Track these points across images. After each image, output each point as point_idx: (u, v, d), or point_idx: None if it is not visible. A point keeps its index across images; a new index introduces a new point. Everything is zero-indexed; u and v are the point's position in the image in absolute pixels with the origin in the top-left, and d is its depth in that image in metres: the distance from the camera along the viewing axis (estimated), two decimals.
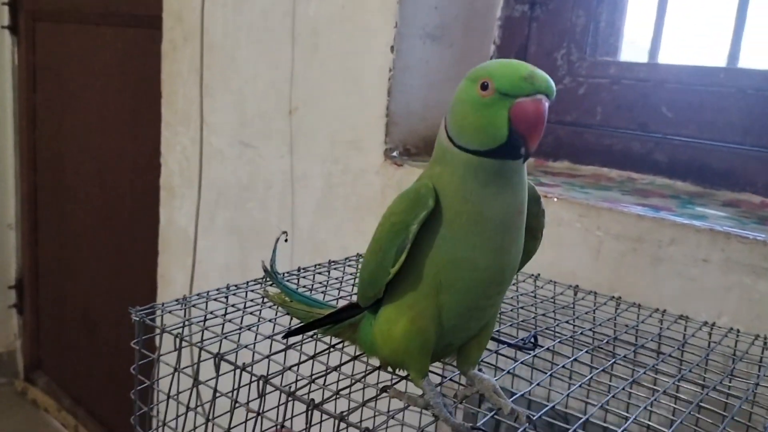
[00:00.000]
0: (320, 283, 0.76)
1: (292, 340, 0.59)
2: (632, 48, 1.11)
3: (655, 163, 1.03)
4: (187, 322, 0.62)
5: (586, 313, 0.75)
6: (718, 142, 0.96)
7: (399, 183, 1.05)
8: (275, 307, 0.65)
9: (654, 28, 1.06)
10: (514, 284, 0.82)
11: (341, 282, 0.77)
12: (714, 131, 0.97)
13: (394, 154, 1.07)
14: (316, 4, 1.15)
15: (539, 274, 0.82)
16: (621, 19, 1.10)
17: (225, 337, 0.60)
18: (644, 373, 0.60)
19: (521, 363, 0.60)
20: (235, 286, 0.69)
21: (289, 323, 0.66)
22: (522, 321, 0.72)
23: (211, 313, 0.64)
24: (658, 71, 1.03)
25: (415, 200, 0.45)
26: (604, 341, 0.66)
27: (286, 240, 0.63)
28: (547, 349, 0.63)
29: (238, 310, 0.65)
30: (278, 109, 1.22)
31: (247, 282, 0.71)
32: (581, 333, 0.69)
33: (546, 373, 0.57)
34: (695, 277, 0.76)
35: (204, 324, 0.62)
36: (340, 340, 0.59)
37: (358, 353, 0.58)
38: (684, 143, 1.00)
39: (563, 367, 0.59)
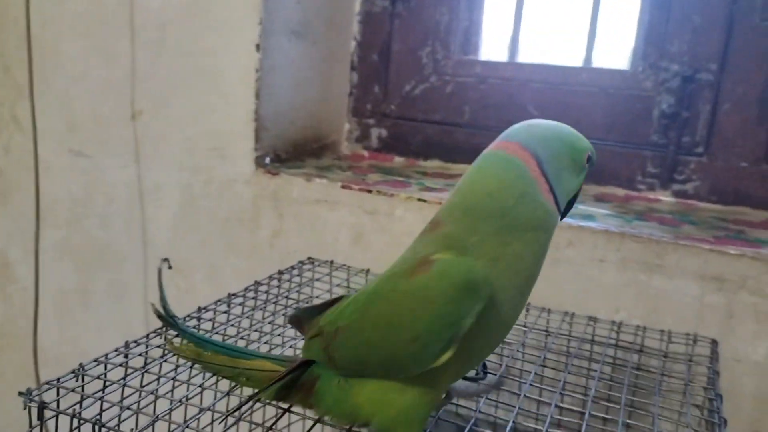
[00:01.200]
0: (221, 323, 0.67)
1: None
2: (495, 47, 1.13)
3: None
4: (85, 397, 0.51)
5: None
6: None
7: (274, 193, 0.97)
8: (185, 363, 0.56)
9: (513, 27, 1.08)
10: None
11: (246, 318, 0.68)
12: (578, 129, 1.00)
13: (267, 161, 0.99)
14: None
15: None
16: (480, 17, 1.11)
17: (140, 412, 0.50)
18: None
19: None
20: (135, 342, 0.58)
21: (204, 379, 0.57)
22: None
23: (110, 381, 0.53)
24: (523, 70, 1.05)
25: (470, 290, 0.40)
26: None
27: (170, 267, 0.54)
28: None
29: (150, 375, 0.55)
30: (118, 113, 1.07)
31: (147, 335, 0.60)
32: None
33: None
34: (593, 277, 0.79)
35: (102, 393, 0.52)
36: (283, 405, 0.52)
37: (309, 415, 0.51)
38: None
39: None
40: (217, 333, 0.64)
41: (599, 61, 1.04)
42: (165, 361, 0.58)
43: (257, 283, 0.75)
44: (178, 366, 0.57)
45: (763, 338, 0.71)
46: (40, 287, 1.16)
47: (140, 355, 0.57)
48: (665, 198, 0.97)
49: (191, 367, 0.56)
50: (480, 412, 0.54)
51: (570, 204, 0.48)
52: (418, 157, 1.14)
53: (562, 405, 0.57)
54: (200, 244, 1.04)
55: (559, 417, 0.55)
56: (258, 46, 0.94)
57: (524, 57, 1.10)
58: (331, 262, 0.84)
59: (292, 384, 0.48)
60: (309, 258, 0.86)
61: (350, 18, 1.14)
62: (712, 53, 0.92)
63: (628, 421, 0.56)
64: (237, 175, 0.99)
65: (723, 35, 0.91)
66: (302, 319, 0.53)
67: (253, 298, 0.73)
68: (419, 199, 0.87)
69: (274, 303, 0.73)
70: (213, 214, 1.02)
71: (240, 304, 0.71)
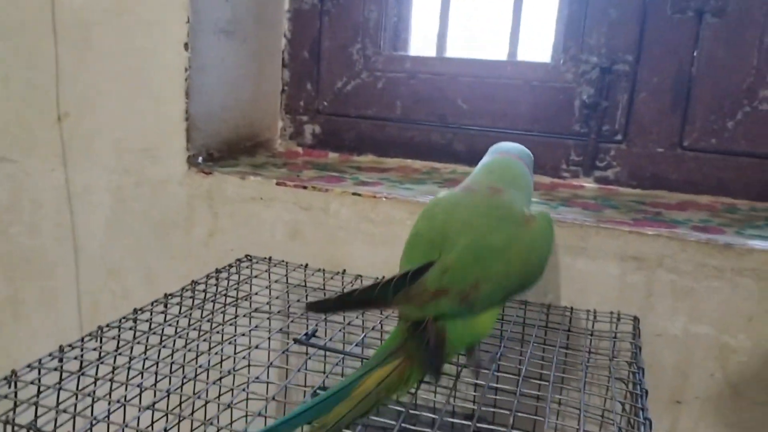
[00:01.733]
0: (159, 324, 0.66)
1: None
2: (424, 42, 1.15)
3: (455, 153, 1.09)
4: (18, 403, 0.50)
5: None
6: (510, 130, 1.05)
7: (208, 192, 0.96)
8: (123, 364, 0.56)
9: (440, 23, 1.11)
10: None
11: (185, 317, 0.68)
12: (506, 120, 1.05)
13: (199, 160, 0.98)
14: None
15: (383, 276, 0.82)
16: (409, 13, 1.13)
17: (77, 415, 0.49)
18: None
19: None
20: (70, 345, 0.58)
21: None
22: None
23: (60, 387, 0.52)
24: (451, 65, 1.08)
25: (553, 228, 0.64)
26: None
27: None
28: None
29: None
30: (43, 116, 1.05)
31: (82, 338, 0.59)
32: None
33: None
34: None
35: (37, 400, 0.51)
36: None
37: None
38: (480, 132, 1.07)
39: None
40: (154, 333, 0.64)
41: (525, 55, 1.08)
42: (102, 363, 0.57)
43: (194, 282, 0.75)
44: (115, 368, 0.57)
45: (680, 313, 0.76)
46: None
47: (75, 358, 0.57)
48: (588, 184, 1.02)
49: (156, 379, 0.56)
50: (419, 398, 0.56)
51: None
52: (352, 153, 1.15)
53: (497, 385, 0.59)
54: (134, 247, 1.03)
55: (494, 397, 0.58)
56: (186, 45, 0.94)
57: (452, 52, 1.13)
58: (269, 258, 0.85)
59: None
60: (247, 255, 0.86)
61: (280, 15, 1.14)
62: (628, 45, 0.96)
63: (559, 396, 0.59)
64: (169, 176, 0.98)
65: (637, 27, 0.96)
66: (347, 303, 0.56)
67: (190, 297, 0.73)
68: (354, 194, 0.88)
69: (212, 301, 0.74)
70: (146, 216, 1.01)
71: (177, 304, 0.70)
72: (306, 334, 0.60)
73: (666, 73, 0.96)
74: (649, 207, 0.90)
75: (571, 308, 0.76)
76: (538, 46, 1.07)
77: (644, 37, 0.96)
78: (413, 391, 0.56)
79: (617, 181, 1.00)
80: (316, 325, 0.65)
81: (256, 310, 0.74)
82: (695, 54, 0.94)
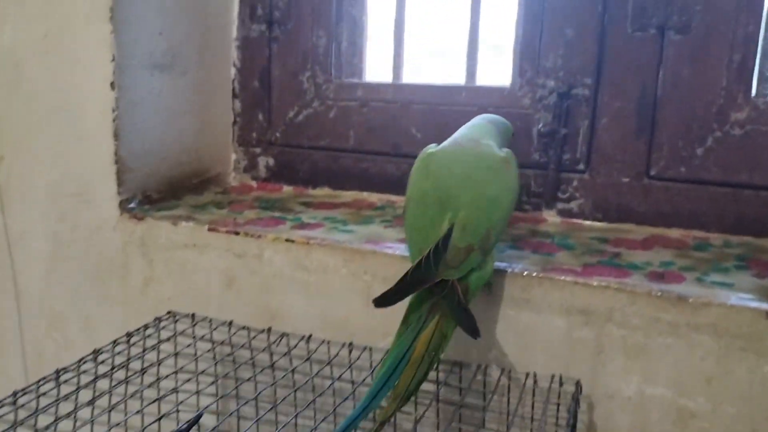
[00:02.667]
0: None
1: None
2: (380, 69, 1.09)
3: None
4: None
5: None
6: None
7: (142, 239, 0.91)
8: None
9: (394, 48, 1.04)
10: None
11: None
12: None
13: (132, 205, 0.93)
14: (11, 31, 0.95)
15: (311, 335, 0.76)
16: (362, 39, 1.07)
17: None
18: None
19: None
20: (23, 391, 0.53)
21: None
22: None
23: None
24: (403, 92, 1.01)
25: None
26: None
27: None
28: None
29: None
30: None
31: (38, 382, 0.54)
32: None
33: None
34: None
35: None
36: None
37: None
38: None
39: None
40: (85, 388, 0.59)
41: (487, 79, 1.01)
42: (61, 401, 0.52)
43: (128, 334, 0.70)
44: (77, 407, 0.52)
45: (633, 373, 0.68)
46: None
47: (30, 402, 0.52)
48: (551, 218, 0.94)
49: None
50: None
51: None
52: (307, 186, 1.09)
53: None
54: (73, 294, 0.98)
55: None
56: (113, 84, 0.89)
57: (411, 77, 1.06)
58: (192, 315, 0.79)
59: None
60: (169, 312, 0.81)
61: (227, 44, 1.08)
62: (587, 67, 0.89)
63: None
64: (103, 222, 0.93)
65: (596, 47, 0.88)
66: (405, 288, 0.61)
67: (115, 355, 0.68)
68: (287, 240, 0.82)
69: (124, 367, 0.68)
70: (83, 264, 0.96)
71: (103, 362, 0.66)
72: (188, 423, 0.54)
73: (629, 97, 0.88)
74: (610, 246, 0.82)
75: (509, 371, 0.69)
76: (501, 69, 1.00)
77: (604, 58, 0.88)
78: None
79: (581, 214, 0.93)
80: (203, 410, 0.58)
81: (179, 370, 0.69)
82: (660, 75, 0.86)
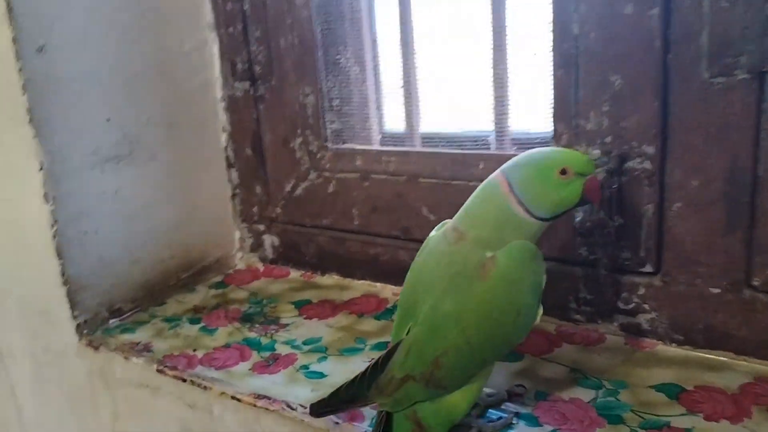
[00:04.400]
0: None
1: None
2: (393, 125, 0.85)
3: None
4: None
5: None
6: None
7: (101, 370, 0.77)
8: None
9: (404, 103, 0.81)
10: None
11: None
12: None
13: (92, 327, 0.79)
14: None
15: None
16: (362, 93, 0.84)
17: None
18: None
19: None
20: None
21: None
22: None
23: None
24: (408, 162, 0.77)
25: (536, 256, 0.51)
26: None
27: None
28: None
29: None
30: None
31: None
32: None
33: None
34: None
35: None
36: None
37: None
38: None
39: None
40: None
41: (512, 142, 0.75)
42: None
43: None
44: None
45: None
46: None
47: None
48: (611, 335, 0.67)
49: None
50: None
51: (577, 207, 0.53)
52: (315, 271, 0.90)
53: None
54: (57, 420, 0.87)
55: None
56: (46, 196, 0.74)
57: (427, 127, 0.82)
58: None
59: None
60: None
61: (212, 107, 0.90)
62: (646, 129, 0.60)
63: None
64: (66, 346, 0.80)
65: (657, 102, 0.59)
66: (343, 401, 0.54)
67: None
68: (233, 397, 0.64)
69: None
70: (60, 387, 0.85)
71: None
72: None
73: (712, 172, 0.58)
74: (685, 406, 0.55)
75: None
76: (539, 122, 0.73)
77: (670, 117, 0.59)
78: None
79: (654, 332, 0.65)
80: None
81: None
82: (759, 138, 0.55)
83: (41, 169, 0.73)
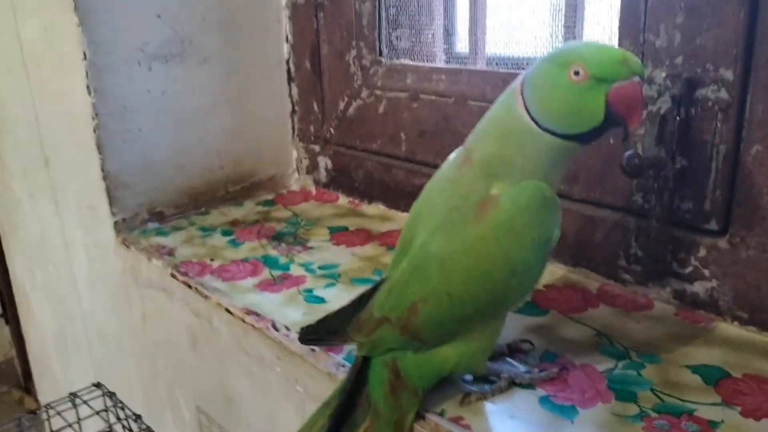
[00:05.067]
0: None
1: None
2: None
3: None
4: None
5: None
6: None
7: (133, 269, 0.77)
8: None
9: (470, 18, 0.71)
10: None
11: None
12: None
13: (131, 225, 0.79)
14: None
15: None
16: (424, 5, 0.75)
17: None
18: None
19: None
20: None
21: None
22: None
23: None
24: (459, 80, 0.68)
25: (548, 205, 0.41)
26: None
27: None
28: None
29: None
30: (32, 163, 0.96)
31: None
32: None
33: None
34: None
35: None
36: None
37: None
38: None
39: None
40: None
41: None
42: None
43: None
44: None
45: None
46: None
47: None
48: (661, 303, 0.56)
49: None
50: None
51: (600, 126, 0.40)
52: (363, 198, 0.84)
53: None
54: (103, 312, 0.90)
55: None
56: (88, 88, 0.74)
57: (494, 48, 0.73)
58: (112, 395, 0.63)
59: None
60: (71, 394, 0.66)
61: (274, 15, 0.86)
62: (725, 48, 0.47)
63: None
64: (108, 242, 0.81)
65: (744, 12, 0.46)
66: (321, 331, 0.49)
67: None
68: (226, 310, 0.60)
69: None
70: (105, 283, 0.86)
71: None
72: None
73: None
74: (722, 395, 0.44)
75: None
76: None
77: (757, 33, 0.46)
78: None
79: (713, 305, 0.53)
80: None
81: None
82: None
83: (84, 59, 0.72)
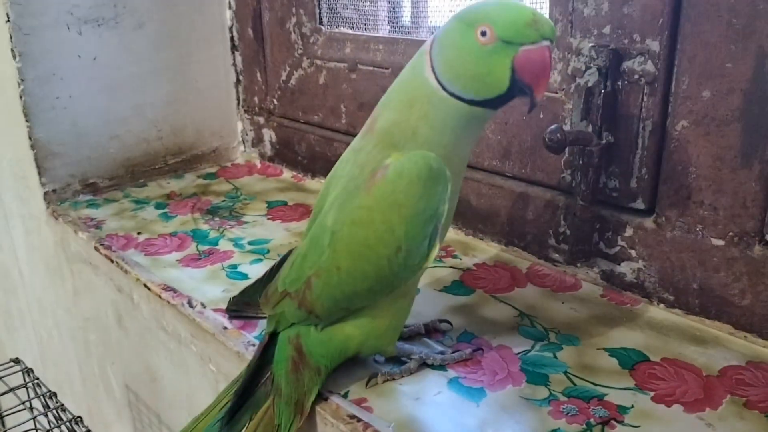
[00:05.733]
0: None
1: None
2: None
3: None
4: None
5: None
6: (477, 162, 0.61)
7: (62, 241, 0.74)
8: None
9: None
10: None
11: None
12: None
13: (62, 196, 0.76)
14: None
15: None
16: None
17: None
18: None
19: None
20: None
21: None
22: None
23: None
24: (396, 50, 0.66)
25: (435, 177, 0.38)
26: None
27: None
28: None
29: None
30: None
31: None
32: None
33: None
34: None
35: None
36: None
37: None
38: None
39: None
40: None
41: None
42: None
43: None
44: None
45: None
46: None
47: None
48: (590, 283, 0.54)
49: None
50: None
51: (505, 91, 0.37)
52: (306, 172, 0.82)
53: None
54: (41, 284, 0.87)
55: None
56: (13, 52, 0.70)
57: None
58: (29, 371, 0.61)
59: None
60: (14, 359, 0.63)
61: None
62: (653, 16, 0.45)
63: None
64: (40, 213, 0.78)
65: None
66: (243, 303, 0.51)
67: None
68: (144, 285, 0.58)
69: None
70: (41, 255, 0.84)
71: None
72: None
73: (730, 80, 0.43)
74: (636, 380, 0.42)
75: None
76: None
77: (683, 3, 0.44)
78: None
79: (639, 287, 0.51)
80: None
81: None
82: None
83: (8, 21, 0.69)
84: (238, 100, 0.88)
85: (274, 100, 0.82)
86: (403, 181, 0.38)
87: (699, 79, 0.44)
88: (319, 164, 0.79)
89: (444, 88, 0.38)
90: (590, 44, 0.48)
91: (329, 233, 0.40)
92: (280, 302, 0.44)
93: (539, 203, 0.56)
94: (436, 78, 0.38)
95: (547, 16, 0.52)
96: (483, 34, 0.36)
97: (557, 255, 0.56)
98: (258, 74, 0.83)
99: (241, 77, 0.86)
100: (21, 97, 0.72)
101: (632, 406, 0.41)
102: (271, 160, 0.86)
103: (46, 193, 0.76)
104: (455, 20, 0.38)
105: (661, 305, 0.50)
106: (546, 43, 0.36)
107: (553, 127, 0.47)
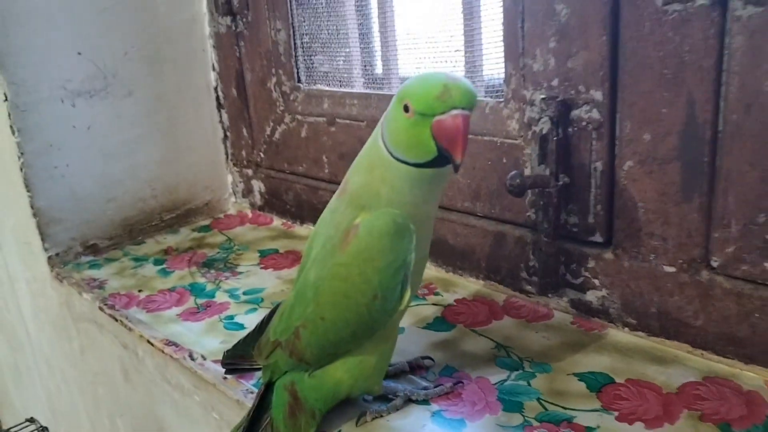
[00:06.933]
0: None
1: None
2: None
3: None
4: None
5: None
6: (450, 208, 0.65)
7: (68, 302, 0.78)
8: None
9: (380, 42, 0.73)
10: None
11: None
12: (449, 186, 0.65)
13: (64, 260, 0.80)
14: None
15: None
16: (338, 32, 0.77)
17: None
18: None
19: None
20: None
21: None
22: None
23: None
24: (370, 105, 0.71)
25: (399, 231, 0.43)
26: None
27: None
28: None
29: None
30: None
31: None
32: None
33: None
34: None
35: None
36: None
37: None
38: None
39: None
40: None
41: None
42: None
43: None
44: None
45: None
46: None
47: None
48: (561, 311, 0.58)
49: None
50: None
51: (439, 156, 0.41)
52: (295, 219, 0.86)
53: None
54: (48, 344, 0.91)
55: None
56: (12, 128, 0.75)
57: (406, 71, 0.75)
58: (46, 428, 0.65)
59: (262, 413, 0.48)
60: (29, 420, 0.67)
61: (199, 44, 0.87)
62: (594, 71, 0.50)
63: None
64: (45, 276, 0.82)
65: (606, 36, 0.48)
66: (238, 356, 0.54)
67: None
68: (148, 341, 0.62)
69: None
70: (47, 316, 0.87)
71: None
72: None
73: (667, 123, 0.47)
74: (602, 401, 0.46)
75: None
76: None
77: (619, 55, 0.49)
78: None
79: (605, 313, 0.55)
80: None
81: None
82: (723, 81, 0.44)
83: (5, 100, 0.74)
84: (226, 154, 0.92)
85: (261, 153, 0.86)
86: (372, 237, 0.42)
87: (639, 124, 0.49)
88: (307, 211, 0.83)
89: (392, 155, 0.42)
90: (541, 96, 0.53)
91: (313, 288, 0.45)
92: (273, 352, 0.48)
93: (510, 240, 0.60)
94: (386, 146, 0.42)
95: (505, 74, 0.57)
96: (406, 109, 0.40)
97: (530, 287, 0.60)
98: (244, 130, 0.88)
99: (228, 133, 0.91)
100: (21, 169, 0.76)
101: (598, 427, 0.44)
102: (261, 209, 0.91)
103: (49, 257, 0.80)
104: (395, 95, 0.42)
105: (626, 329, 0.54)
106: (455, 111, 0.39)
107: (513, 173, 0.52)
